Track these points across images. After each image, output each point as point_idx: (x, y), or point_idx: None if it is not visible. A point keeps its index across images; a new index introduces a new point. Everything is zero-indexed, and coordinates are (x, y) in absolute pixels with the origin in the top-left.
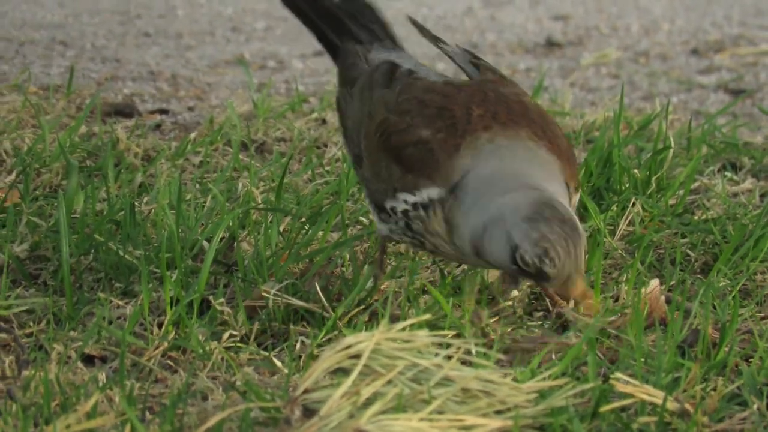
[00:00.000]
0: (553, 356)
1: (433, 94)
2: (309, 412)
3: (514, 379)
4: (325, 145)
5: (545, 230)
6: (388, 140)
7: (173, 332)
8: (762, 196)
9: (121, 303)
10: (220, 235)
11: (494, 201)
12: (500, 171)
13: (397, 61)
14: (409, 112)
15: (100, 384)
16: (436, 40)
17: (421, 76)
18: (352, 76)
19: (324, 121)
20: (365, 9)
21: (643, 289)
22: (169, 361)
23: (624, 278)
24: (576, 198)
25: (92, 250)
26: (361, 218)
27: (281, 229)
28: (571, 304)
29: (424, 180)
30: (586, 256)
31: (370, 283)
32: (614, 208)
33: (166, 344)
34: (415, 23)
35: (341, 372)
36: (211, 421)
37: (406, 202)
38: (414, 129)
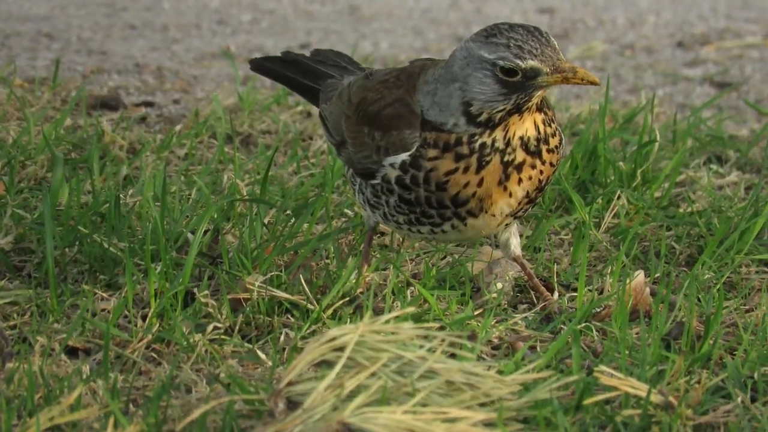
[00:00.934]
0: (538, 348)
1: (392, 72)
2: (293, 405)
3: (499, 372)
4: (311, 138)
5: (509, 34)
6: (366, 112)
7: (157, 324)
8: (747, 188)
9: (105, 295)
10: (205, 228)
11: (455, 59)
12: (453, 60)
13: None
14: (378, 90)
15: (84, 376)
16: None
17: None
18: (331, 94)
19: (309, 114)
20: (331, 53)
21: (627, 281)
22: (153, 354)
23: (609, 270)
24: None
25: (77, 243)
26: (345, 210)
27: (266, 221)
28: (574, 76)
29: (408, 131)
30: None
31: (354, 275)
32: (599, 200)
33: (150, 336)
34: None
35: (325, 364)
36: (195, 414)
37: (393, 165)
38: (385, 96)
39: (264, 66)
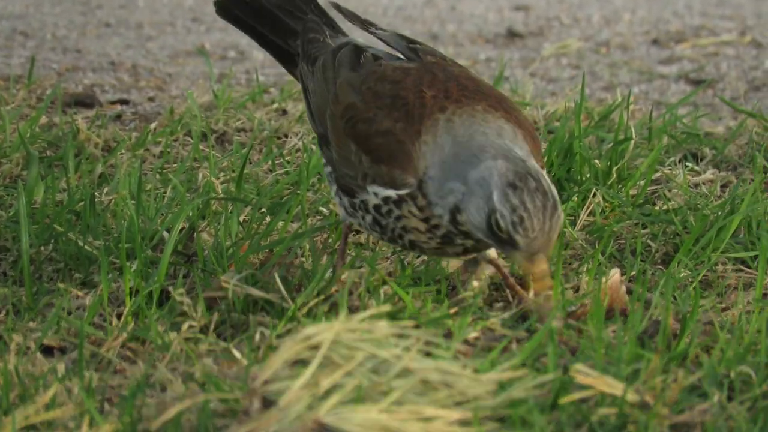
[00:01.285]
0: (514, 347)
1: (384, 83)
2: (268, 403)
3: (474, 371)
4: (286, 136)
5: (527, 200)
6: (354, 128)
7: (132, 323)
8: (723, 186)
9: (80, 293)
10: (180, 226)
11: (476, 168)
12: (469, 145)
13: (361, 44)
14: (370, 105)
15: (59, 375)
16: (366, 24)
17: (384, 63)
18: (312, 52)
19: (284, 112)
20: (302, 2)
21: (603, 280)
22: (128, 352)
23: (585, 269)
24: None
25: (52, 241)
26: (321, 208)
27: (241, 219)
28: (531, 284)
29: (399, 171)
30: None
31: (329, 274)
32: (575, 198)
33: (125, 335)
34: (339, 8)
35: (301, 363)
36: (170, 413)
37: (376, 195)
38: (377, 119)
39: (230, 12)
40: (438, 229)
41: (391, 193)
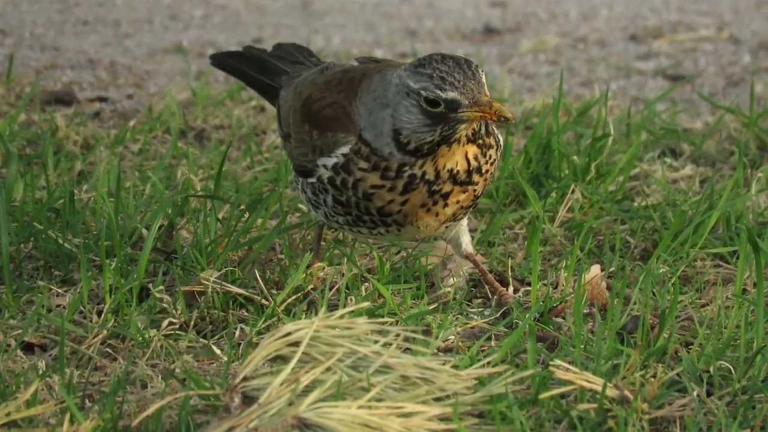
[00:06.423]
0: (493, 343)
1: (338, 74)
2: (248, 400)
3: (454, 366)
4: (264, 133)
5: (436, 66)
6: (309, 109)
7: (112, 320)
8: (702, 182)
9: (60, 291)
10: (159, 223)
11: (389, 86)
12: (389, 78)
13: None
14: (322, 89)
15: (40, 372)
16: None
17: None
18: (292, 81)
19: (263, 109)
20: (292, 48)
21: (583, 276)
22: (108, 349)
23: (563, 265)
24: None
25: (32, 238)
26: (299, 205)
27: (220, 216)
28: (489, 113)
29: (341, 133)
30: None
31: (307, 271)
32: (553, 194)
33: (105, 332)
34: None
35: (280, 359)
36: (151, 409)
37: (326, 167)
38: (327, 97)
39: (224, 61)
40: (392, 171)
41: (337, 156)
